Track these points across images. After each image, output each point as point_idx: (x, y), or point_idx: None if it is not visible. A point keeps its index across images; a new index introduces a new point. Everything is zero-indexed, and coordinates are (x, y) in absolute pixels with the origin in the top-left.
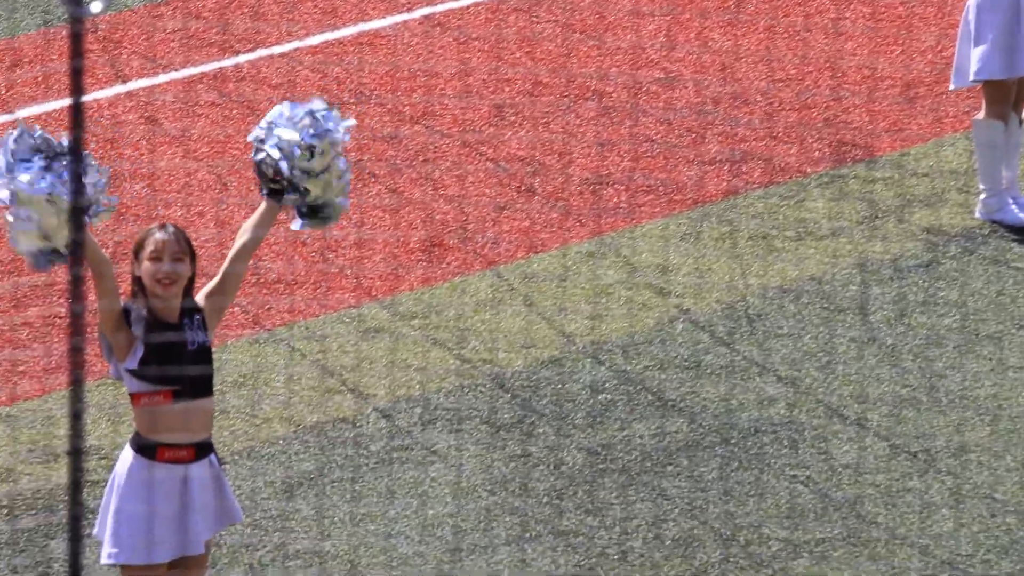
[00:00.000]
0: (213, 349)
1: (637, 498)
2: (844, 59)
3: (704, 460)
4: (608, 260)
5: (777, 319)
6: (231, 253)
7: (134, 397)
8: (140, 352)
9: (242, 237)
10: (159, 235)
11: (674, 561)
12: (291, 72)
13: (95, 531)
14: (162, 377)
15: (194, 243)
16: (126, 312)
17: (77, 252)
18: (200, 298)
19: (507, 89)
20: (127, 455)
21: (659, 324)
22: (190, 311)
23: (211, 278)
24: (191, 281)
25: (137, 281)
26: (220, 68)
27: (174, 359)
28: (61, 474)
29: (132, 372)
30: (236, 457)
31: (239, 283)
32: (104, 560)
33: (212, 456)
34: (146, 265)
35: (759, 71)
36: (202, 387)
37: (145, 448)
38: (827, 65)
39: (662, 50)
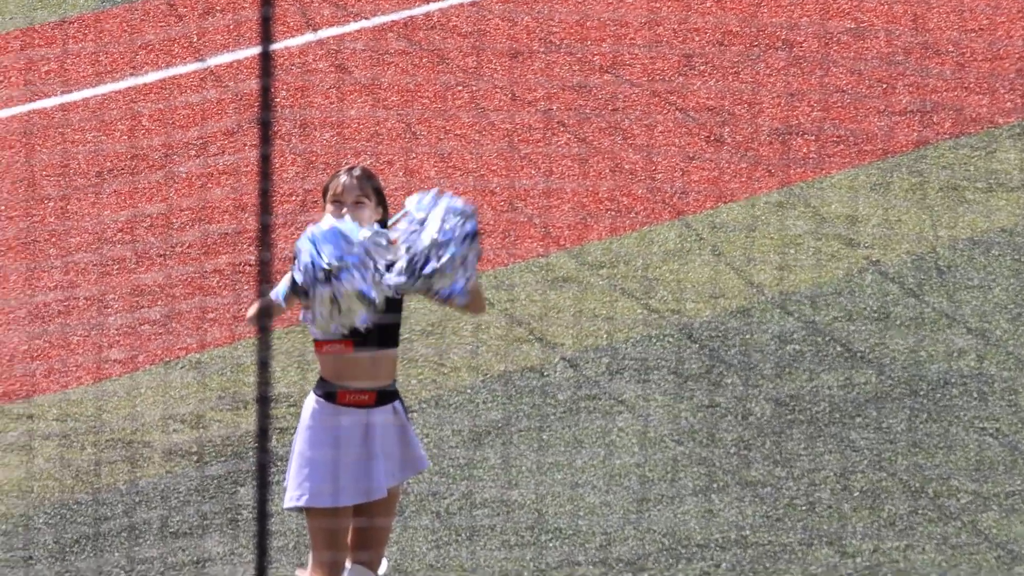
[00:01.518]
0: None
1: (825, 449)
2: None
3: (892, 412)
4: (797, 210)
5: (967, 270)
6: None
7: (317, 344)
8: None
9: None
10: (343, 178)
11: (862, 513)
12: (481, 21)
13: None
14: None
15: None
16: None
17: (266, 202)
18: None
19: (696, 38)
20: (310, 400)
21: (848, 275)
22: None
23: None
24: (383, 224)
25: None
26: (410, 16)
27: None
28: (249, 421)
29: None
30: (423, 405)
31: None
32: (286, 504)
33: (397, 403)
34: (329, 208)
35: (950, 21)
36: (386, 337)
37: (327, 393)
38: (1019, 15)
39: (853, 0)
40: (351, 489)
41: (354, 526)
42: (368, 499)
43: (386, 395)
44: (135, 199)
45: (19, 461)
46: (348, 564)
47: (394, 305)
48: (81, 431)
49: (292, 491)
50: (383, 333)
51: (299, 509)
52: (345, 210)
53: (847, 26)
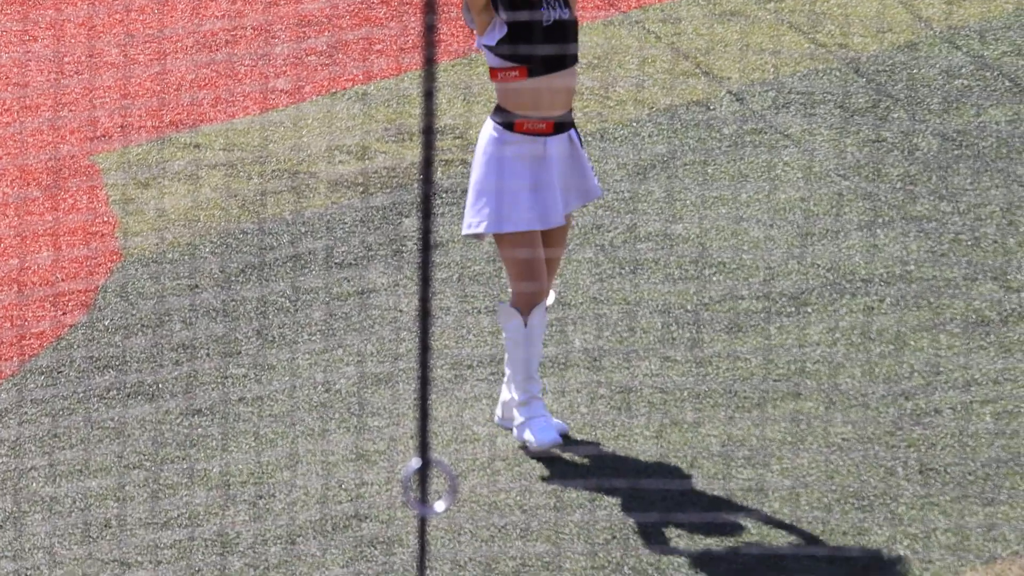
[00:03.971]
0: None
1: (991, 184)
2: None
3: None
4: None
5: None
6: None
7: (492, 72)
8: (498, 29)
9: None
10: None
11: None
12: None
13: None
14: (515, 54)
15: None
16: None
17: None
18: None
19: None
20: (488, 128)
21: (1017, 8)
22: None
23: None
24: None
25: None
26: None
27: (528, 36)
28: (414, 152)
29: (489, 48)
30: (589, 138)
31: None
32: (465, 231)
33: (572, 132)
34: None
35: None
36: (559, 62)
37: (506, 122)
38: None
39: None
40: (529, 215)
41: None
42: (545, 226)
43: (562, 124)
44: None
45: (186, 190)
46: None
47: (563, 32)
48: (247, 161)
49: (470, 218)
50: (555, 58)
51: (477, 236)
52: None
53: None
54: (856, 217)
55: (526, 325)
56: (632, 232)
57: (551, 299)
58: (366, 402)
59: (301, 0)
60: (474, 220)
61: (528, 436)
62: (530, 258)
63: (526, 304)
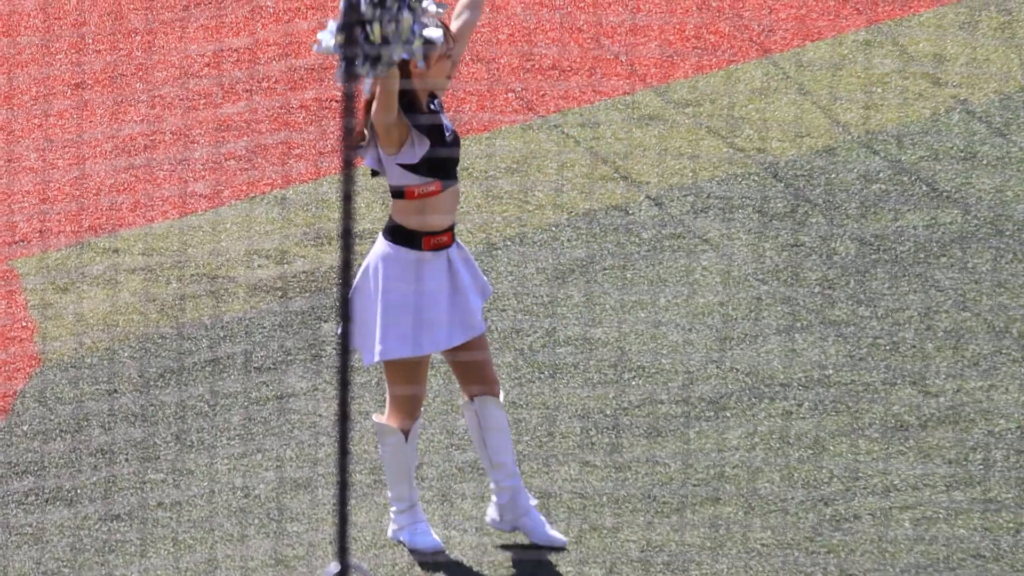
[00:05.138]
0: (485, 135)
1: (909, 289)
2: None
3: (977, 251)
4: (884, 49)
5: None
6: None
7: (407, 191)
8: (418, 146)
9: (458, 19)
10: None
11: (945, 353)
12: None
13: (355, 342)
14: (433, 169)
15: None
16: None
17: (351, 35)
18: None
19: None
20: (384, 250)
21: (934, 114)
22: (430, 95)
23: None
24: None
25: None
26: None
27: (442, 147)
28: (333, 256)
29: (408, 167)
30: (507, 243)
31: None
32: (378, 358)
33: (457, 238)
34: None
35: None
36: (456, 171)
37: (412, 238)
38: None
39: None
40: (459, 328)
41: (461, 361)
42: (476, 334)
43: (453, 230)
44: (221, 33)
45: (104, 295)
46: (465, 398)
47: (456, 139)
48: (166, 265)
49: (392, 343)
50: (455, 167)
51: (386, 360)
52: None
53: None
54: (775, 321)
55: (407, 440)
56: (551, 336)
57: (502, 396)
58: (285, 507)
59: (220, 104)
60: (380, 347)
61: (406, 539)
62: (417, 363)
63: (407, 414)
